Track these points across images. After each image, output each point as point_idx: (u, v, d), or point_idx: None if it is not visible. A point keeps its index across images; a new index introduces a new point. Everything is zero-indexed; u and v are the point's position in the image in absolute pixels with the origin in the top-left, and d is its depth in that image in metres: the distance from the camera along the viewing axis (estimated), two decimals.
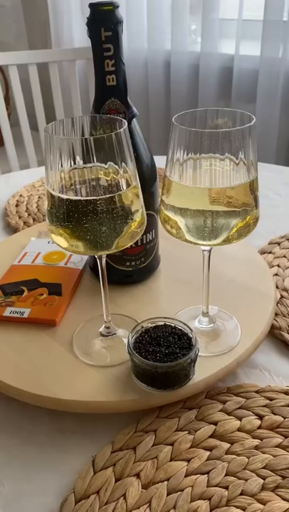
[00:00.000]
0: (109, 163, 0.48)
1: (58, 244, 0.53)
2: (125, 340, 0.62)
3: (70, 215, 0.49)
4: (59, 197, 0.49)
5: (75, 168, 0.49)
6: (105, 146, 0.47)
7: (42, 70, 1.69)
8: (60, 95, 1.72)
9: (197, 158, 0.48)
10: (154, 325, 0.60)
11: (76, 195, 0.49)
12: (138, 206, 0.52)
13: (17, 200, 1.14)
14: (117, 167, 0.49)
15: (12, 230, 1.02)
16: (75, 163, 0.48)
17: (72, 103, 1.73)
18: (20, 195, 1.16)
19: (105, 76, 0.60)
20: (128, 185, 0.50)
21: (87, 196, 0.48)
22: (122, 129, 0.47)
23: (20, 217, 1.06)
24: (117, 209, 0.49)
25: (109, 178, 0.49)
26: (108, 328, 0.64)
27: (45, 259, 0.80)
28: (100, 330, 0.64)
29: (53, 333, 0.65)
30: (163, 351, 0.56)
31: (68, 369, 0.60)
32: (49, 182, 0.50)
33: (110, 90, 0.61)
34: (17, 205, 1.12)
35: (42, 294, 0.71)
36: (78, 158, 0.48)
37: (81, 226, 0.49)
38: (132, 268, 0.72)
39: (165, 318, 0.60)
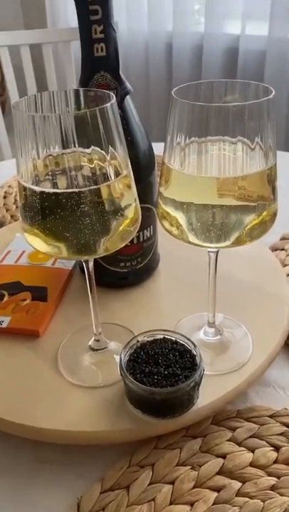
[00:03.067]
0: (92, 147, 0.39)
1: (33, 247, 0.44)
2: (117, 358, 0.53)
3: (46, 211, 0.40)
4: (32, 189, 0.40)
5: (51, 155, 0.40)
6: (88, 126, 0.38)
7: (35, 52, 1.59)
8: (54, 79, 1.62)
9: (203, 142, 0.39)
10: (152, 339, 0.51)
11: (53, 188, 0.40)
12: (130, 200, 0.43)
13: (5, 192, 1.05)
14: (103, 152, 0.40)
15: None
16: (51, 149, 0.39)
17: (68, 88, 1.63)
18: (9, 186, 1.07)
19: (93, 45, 0.51)
20: (117, 174, 0.41)
21: (67, 188, 0.39)
22: (108, 104, 0.38)
23: (7, 210, 0.97)
24: (104, 204, 0.40)
25: (92, 166, 0.40)
26: (98, 341, 0.55)
27: (30, 258, 0.71)
28: (90, 343, 0.55)
29: (35, 346, 0.57)
30: (162, 372, 0.47)
31: (52, 390, 0.51)
32: (20, 171, 0.41)
33: (99, 62, 0.52)
34: (5, 197, 1.03)
35: (24, 300, 0.62)
36: (55, 142, 0.39)
37: (60, 225, 0.40)
38: (127, 269, 0.63)
39: (164, 330, 0.52)
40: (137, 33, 1.90)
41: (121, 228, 0.42)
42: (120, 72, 0.53)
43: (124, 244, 0.44)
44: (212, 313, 0.54)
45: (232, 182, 0.39)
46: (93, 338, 0.55)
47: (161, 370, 0.47)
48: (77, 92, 0.44)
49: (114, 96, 0.40)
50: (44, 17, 2.07)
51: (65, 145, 0.39)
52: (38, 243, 0.42)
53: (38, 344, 0.57)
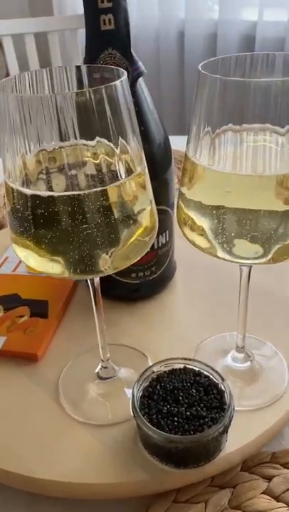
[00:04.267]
0: (98, 138, 0.31)
1: (24, 262, 0.36)
2: (128, 392, 0.45)
3: (40, 219, 0.31)
4: (21, 192, 0.31)
5: (45, 150, 0.31)
6: (92, 111, 0.29)
7: (41, 41, 1.51)
8: None
9: (240, 131, 0.30)
10: (170, 369, 0.43)
11: (48, 190, 0.31)
12: (145, 203, 0.34)
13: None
14: (111, 145, 0.31)
15: None
16: (44, 141, 0.31)
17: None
18: None
19: (99, 16, 0.42)
20: (129, 172, 0.32)
21: (65, 190, 0.31)
22: (117, 82, 0.30)
23: None
24: (113, 209, 0.32)
25: (98, 162, 0.31)
26: (106, 368, 0.47)
27: (29, 267, 0.62)
28: (97, 370, 0.47)
29: (33, 372, 0.49)
30: (183, 413, 0.38)
31: (51, 428, 0.43)
32: (6, 169, 0.32)
33: (107, 37, 0.43)
34: (4, 196, 0.95)
35: (22, 316, 0.54)
36: (50, 133, 0.30)
37: (57, 236, 0.32)
38: (140, 280, 0.55)
39: (185, 359, 0.43)
40: (147, 20, 1.80)
41: (133, 239, 0.34)
42: (132, 50, 0.45)
43: (137, 260, 0.35)
44: (242, 335, 0.46)
45: (277, 181, 0.30)
46: (100, 365, 0.47)
47: (183, 411, 0.39)
48: (79, 70, 0.35)
49: (125, 72, 0.31)
50: (50, 4, 1.98)
51: (63, 136, 0.30)
52: (31, 258, 0.34)
53: (36, 370, 0.49)
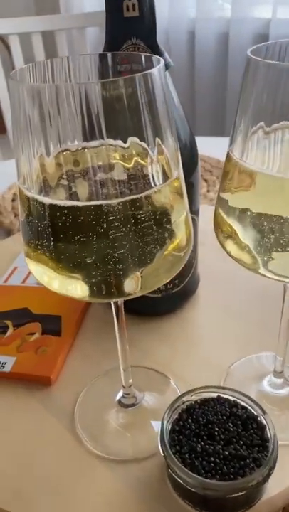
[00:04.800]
0: (131, 138, 0.26)
1: (38, 282, 0.31)
2: (155, 424, 0.40)
3: (60, 233, 0.27)
4: (39, 201, 0.27)
5: (67, 150, 0.27)
6: (124, 105, 0.25)
7: (48, 40, 1.46)
8: None
9: None
10: (201, 398, 0.38)
11: (70, 198, 0.27)
12: (181, 213, 0.30)
13: (14, 194, 0.92)
14: (144, 145, 0.26)
15: (5, 231, 0.81)
16: (67, 141, 0.26)
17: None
18: None
19: (122, 1, 0.38)
20: (165, 176, 0.27)
21: (90, 199, 0.26)
22: (155, 69, 0.25)
23: (16, 216, 0.85)
24: (145, 220, 0.27)
25: (129, 165, 0.27)
26: (128, 394, 0.42)
27: None
28: (117, 397, 0.42)
29: (45, 398, 0.44)
30: (220, 452, 0.34)
31: (66, 466, 0.38)
32: (21, 174, 0.28)
33: (130, 25, 0.39)
34: (13, 200, 0.91)
35: (33, 333, 0.49)
36: (73, 131, 0.26)
37: (79, 252, 0.27)
38: (161, 294, 0.50)
39: (218, 388, 0.38)
40: (156, 21, 1.75)
41: (167, 254, 0.29)
42: (158, 41, 0.40)
43: (170, 278, 0.31)
44: (282, 358, 0.41)
45: None
46: (122, 392, 0.42)
47: (219, 449, 0.34)
48: (104, 58, 0.30)
49: (161, 60, 0.26)
50: (57, 2, 1.93)
51: (88, 135, 0.26)
52: (47, 276, 0.29)
53: (49, 395, 0.44)
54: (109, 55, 0.31)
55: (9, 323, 0.51)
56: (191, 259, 0.52)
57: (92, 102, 0.25)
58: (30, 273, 0.59)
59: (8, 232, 0.81)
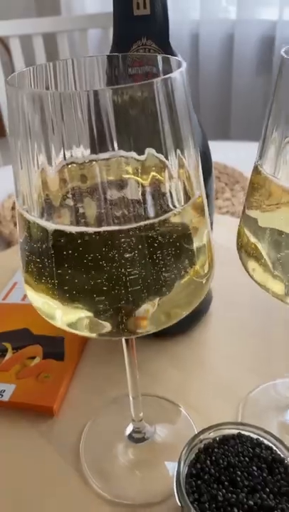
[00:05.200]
0: (148, 150, 0.22)
1: (40, 313, 0.27)
2: (170, 466, 0.36)
3: (65, 262, 0.23)
4: (40, 226, 0.23)
5: (73, 163, 0.23)
6: (140, 115, 0.21)
7: (49, 42, 1.43)
8: None
9: None
10: (220, 436, 0.34)
11: (76, 221, 0.23)
12: (202, 234, 0.26)
13: (14, 202, 0.88)
14: (162, 157, 0.23)
15: (4, 242, 0.77)
16: (72, 152, 0.22)
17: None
18: None
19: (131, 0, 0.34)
20: (186, 194, 0.24)
21: (100, 223, 0.22)
22: (177, 72, 0.21)
23: (15, 225, 0.81)
24: (165, 247, 0.23)
25: (147, 182, 0.23)
26: (138, 429, 0.38)
27: None
28: (127, 431, 0.39)
29: (48, 430, 0.40)
30: (244, 502, 0.30)
31: (70, 508, 0.34)
32: (20, 194, 0.24)
33: (140, 25, 0.35)
34: (13, 208, 0.87)
35: (33, 357, 0.46)
36: (79, 141, 0.22)
37: (88, 284, 0.23)
38: None
39: (237, 424, 0.35)
40: None
41: (187, 282, 0.25)
42: (170, 41, 0.37)
43: (190, 311, 0.27)
44: None
45: None
46: (132, 426, 0.38)
47: (243, 498, 0.30)
48: (113, 60, 0.27)
49: (184, 62, 0.23)
50: (58, 3, 1.89)
51: (97, 146, 0.22)
52: (50, 309, 0.26)
53: (51, 427, 0.40)
54: (119, 56, 0.28)
55: (8, 345, 0.47)
56: None
57: (103, 110, 0.21)
58: None
59: (8, 243, 0.77)
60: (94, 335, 0.25)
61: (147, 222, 0.22)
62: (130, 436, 0.38)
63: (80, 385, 0.44)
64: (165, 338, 0.48)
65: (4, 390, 0.42)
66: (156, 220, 0.22)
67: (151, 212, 0.22)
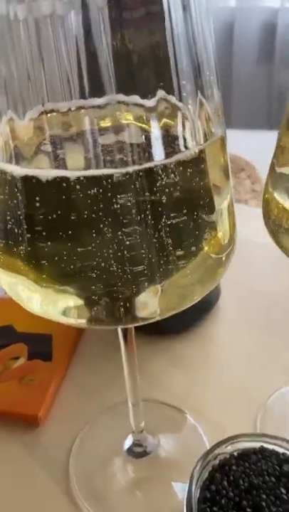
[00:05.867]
0: (160, 92, 0.17)
1: (15, 299, 0.21)
2: (178, 488, 0.30)
3: (40, 221, 0.17)
4: (5, 173, 0.17)
5: (54, 111, 0.17)
6: (145, 37, 0.15)
7: None
8: None
9: None
10: (238, 451, 0.28)
11: (57, 166, 0.17)
12: (225, 195, 0.20)
13: None
14: (174, 101, 0.17)
15: None
16: (54, 97, 0.17)
17: None
18: None
19: None
20: (205, 138, 0.18)
21: (93, 167, 0.16)
22: None
23: None
24: (175, 202, 0.17)
25: (161, 125, 0.17)
26: (139, 441, 0.32)
27: None
28: (126, 444, 0.33)
29: (32, 443, 0.34)
30: None
31: None
32: None
33: None
34: None
35: (17, 358, 0.40)
36: (65, 80, 0.16)
37: (73, 252, 0.17)
38: None
39: (261, 436, 0.29)
40: None
41: (203, 255, 0.19)
42: None
43: (206, 293, 0.21)
44: None
45: None
46: (131, 439, 0.32)
47: None
48: None
49: None
50: None
51: (92, 86, 0.16)
52: (25, 292, 0.20)
53: (36, 439, 0.34)
54: None
55: None
56: None
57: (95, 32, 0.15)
58: None
59: None
60: (83, 322, 0.20)
61: (151, 164, 0.16)
62: (129, 450, 0.32)
63: (70, 390, 0.38)
64: (167, 335, 0.42)
65: None
66: (163, 163, 0.16)
67: (158, 154, 0.16)
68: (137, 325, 0.23)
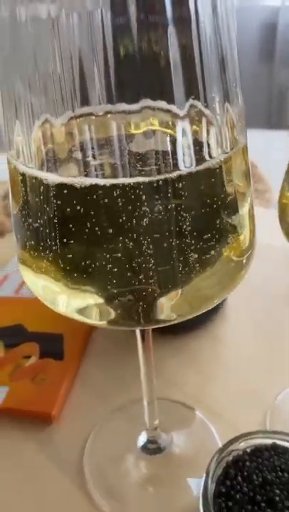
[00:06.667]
0: (191, 100, 0.17)
1: (41, 299, 0.22)
2: (193, 484, 0.31)
3: (72, 226, 0.18)
4: (39, 181, 0.18)
5: (83, 115, 0.18)
6: (173, 41, 0.16)
7: None
8: None
9: None
10: (251, 447, 0.29)
11: (88, 174, 0.18)
12: (246, 199, 0.21)
13: (5, 191, 0.83)
14: (200, 106, 0.17)
15: None
16: (84, 103, 0.17)
17: None
18: None
19: None
20: (230, 146, 0.19)
21: (122, 176, 0.17)
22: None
23: (8, 216, 0.76)
24: (201, 208, 0.18)
25: (190, 132, 0.18)
26: (153, 438, 0.33)
27: None
28: (139, 441, 0.33)
29: (46, 441, 0.35)
30: None
31: None
32: (12, 144, 0.19)
33: None
34: (5, 198, 0.82)
35: (29, 356, 0.40)
36: (95, 85, 0.17)
37: (101, 255, 0.18)
38: None
39: (273, 433, 0.29)
40: None
41: (225, 258, 0.20)
42: None
43: (226, 296, 0.22)
44: None
45: None
46: (145, 436, 0.33)
47: None
48: None
49: None
50: None
51: (120, 92, 0.17)
52: (51, 292, 0.20)
53: (49, 437, 0.35)
54: None
55: (0, 343, 0.42)
56: None
57: (124, 41, 0.16)
58: (24, 282, 0.50)
59: (0, 234, 0.72)
60: (104, 323, 0.20)
61: (180, 173, 0.17)
62: (144, 447, 0.33)
63: (82, 388, 0.39)
64: (178, 333, 0.43)
65: None
66: (192, 170, 0.17)
67: (185, 162, 0.17)
68: (156, 327, 0.23)
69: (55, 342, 0.42)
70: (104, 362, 0.41)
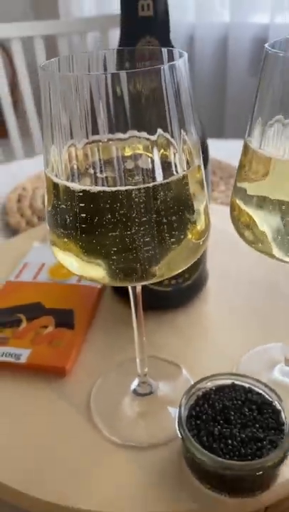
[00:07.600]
0: (159, 130, 0.27)
1: (66, 268, 0.32)
2: (171, 410, 0.41)
3: (87, 218, 0.28)
4: (67, 188, 0.28)
5: (94, 142, 0.28)
6: (151, 98, 0.26)
7: (49, 45, 1.48)
8: None
9: None
10: (217, 385, 0.39)
11: (98, 184, 0.28)
12: (201, 200, 0.31)
13: (19, 195, 0.93)
14: (168, 136, 0.28)
15: (11, 231, 0.82)
16: (99, 131, 0.27)
17: None
18: (23, 189, 0.95)
19: (137, 1, 0.39)
20: (188, 165, 0.29)
21: (119, 185, 0.27)
22: (181, 60, 0.26)
23: (22, 216, 0.86)
24: (170, 206, 0.28)
25: (157, 156, 0.28)
26: (144, 383, 0.43)
27: (51, 273, 0.59)
28: (133, 386, 0.43)
29: (61, 388, 0.45)
30: (237, 435, 0.35)
31: (84, 452, 0.39)
32: (50, 163, 0.29)
33: (144, 24, 0.40)
34: (19, 201, 0.92)
35: (46, 327, 0.50)
36: (101, 121, 0.27)
37: (107, 237, 0.28)
38: (172, 287, 0.51)
39: (232, 375, 0.39)
40: None
41: (187, 241, 0.30)
42: (171, 38, 0.42)
43: (189, 264, 0.32)
44: None
45: None
46: (137, 380, 0.43)
47: (236, 432, 0.35)
48: (124, 55, 0.31)
49: (184, 53, 0.28)
50: (56, 7, 1.94)
51: (115, 127, 0.27)
52: (74, 262, 0.30)
53: (64, 385, 0.45)
54: (127, 50, 0.32)
55: (22, 317, 0.52)
56: (202, 254, 0.53)
57: (119, 90, 0.26)
58: (41, 268, 0.60)
59: (15, 232, 0.81)
60: (108, 280, 0.30)
61: (156, 183, 0.27)
62: (135, 390, 0.43)
63: (89, 350, 0.49)
64: (167, 310, 0.53)
65: (21, 354, 0.47)
66: (163, 182, 0.27)
67: (159, 177, 0.27)
68: (144, 283, 0.33)
69: (68, 315, 0.52)
70: (106, 331, 0.51)
